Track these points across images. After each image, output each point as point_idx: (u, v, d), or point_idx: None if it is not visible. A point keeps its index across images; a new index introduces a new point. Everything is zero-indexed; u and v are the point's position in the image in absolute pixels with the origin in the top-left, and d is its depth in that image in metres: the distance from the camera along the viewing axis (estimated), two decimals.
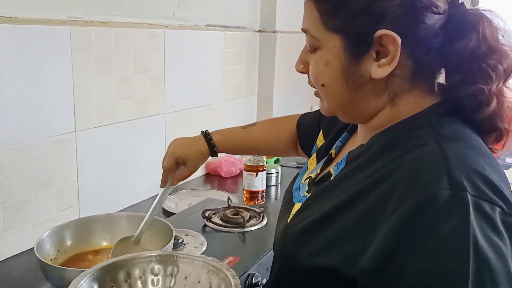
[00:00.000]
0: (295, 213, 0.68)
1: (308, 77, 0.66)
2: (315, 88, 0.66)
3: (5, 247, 1.14)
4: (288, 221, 0.68)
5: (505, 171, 0.58)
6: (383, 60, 0.59)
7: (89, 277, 0.59)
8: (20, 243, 1.17)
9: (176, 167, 1.00)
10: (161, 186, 1.00)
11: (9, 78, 1.09)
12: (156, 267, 0.64)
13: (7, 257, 1.15)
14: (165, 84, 1.58)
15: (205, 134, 1.01)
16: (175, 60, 1.60)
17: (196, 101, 1.76)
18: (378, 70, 0.59)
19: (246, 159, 1.59)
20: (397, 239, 0.51)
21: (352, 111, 0.65)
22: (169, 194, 1.01)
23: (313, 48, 0.64)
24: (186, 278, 0.64)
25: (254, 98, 2.14)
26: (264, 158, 1.62)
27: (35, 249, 0.85)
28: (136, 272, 0.63)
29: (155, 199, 1.54)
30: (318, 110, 0.93)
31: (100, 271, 0.61)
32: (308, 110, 2.64)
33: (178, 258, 0.64)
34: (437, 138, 0.56)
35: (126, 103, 1.44)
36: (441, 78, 0.64)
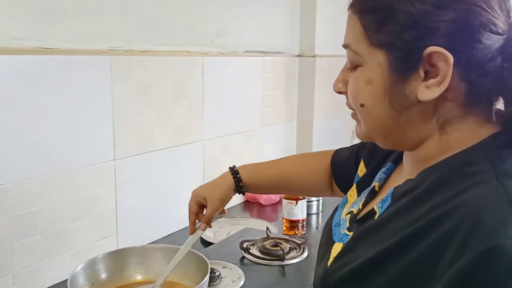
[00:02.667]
0: (336, 255, 0.62)
1: (347, 98, 0.61)
2: (353, 110, 0.61)
3: (43, 277, 1.14)
4: (329, 264, 0.62)
5: None
6: (432, 81, 0.52)
7: None
8: (58, 273, 1.16)
9: (201, 210, 0.96)
10: (190, 233, 0.96)
11: (51, 108, 1.11)
12: None
13: (46, 287, 1.14)
14: (203, 111, 1.57)
15: (231, 168, 0.97)
16: (214, 86, 1.59)
17: (235, 127, 1.73)
18: (426, 91, 0.53)
19: None
20: None
21: (394, 136, 0.59)
22: (197, 241, 0.96)
23: (354, 65, 0.58)
24: None
25: (293, 123, 2.10)
26: None
27: (68, 283, 0.83)
28: None
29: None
30: (354, 144, 0.87)
31: None
32: (350, 136, 2.57)
33: None
34: (498, 176, 0.49)
35: (164, 130, 1.43)
36: (500, 105, 0.57)
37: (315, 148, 2.11)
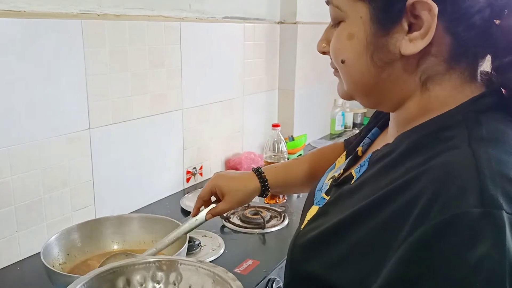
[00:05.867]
0: (310, 219, 0.61)
1: (331, 58, 0.58)
2: (336, 68, 0.58)
3: (19, 249, 1.12)
4: (302, 227, 0.61)
5: None
6: (415, 33, 0.50)
7: (84, 285, 0.54)
8: (34, 244, 1.14)
9: (211, 199, 0.87)
10: (192, 215, 0.86)
11: (19, 75, 1.06)
12: (159, 274, 0.58)
13: (21, 259, 1.12)
14: (182, 79, 1.53)
15: (256, 170, 0.88)
16: (192, 53, 1.55)
17: (215, 96, 1.70)
18: (410, 45, 0.50)
19: (267, 156, 1.53)
20: (412, 269, 0.43)
21: (375, 95, 0.56)
22: (196, 227, 0.86)
23: (336, 21, 0.56)
24: (190, 287, 0.58)
25: (275, 92, 2.07)
26: (286, 154, 1.56)
27: (41, 254, 0.81)
28: (136, 279, 0.58)
29: (174, 197, 1.53)
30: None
31: (96, 279, 0.56)
32: (331, 104, 2.55)
33: (181, 265, 0.58)
34: (471, 141, 0.47)
35: (141, 99, 1.39)
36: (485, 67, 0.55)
37: (297, 118, 2.10)
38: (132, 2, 1.33)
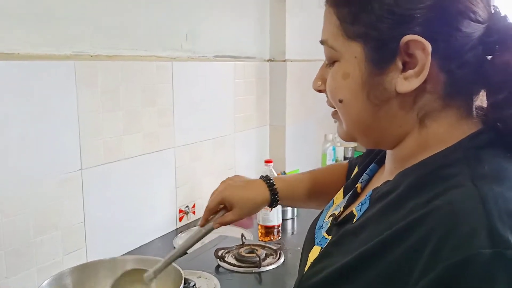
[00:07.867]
0: (313, 261, 0.59)
1: (327, 96, 0.59)
2: (333, 107, 0.59)
3: None
4: (305, 270, 0.60)
5: None
6: (410, 72, 0.50)
7: None
8: None
9: (219, 209, 0.84)
10: (200, 225, 0.83)
11: (12, 115, 1.05)
12: None
13: None
14: (174, 117, 1.53)
15: (266, 179, 0.85)
16: (184, 92, 1.56)
17: (207, 133, 1.70)
18: (405, 83, 0.51)
19: None
20: None
21: (374, 133, 0.57)
22: (204, 237, 0.83)
23: (331, 60, 0.56)
24: None
25: (266, 129, 2.08)
26: None
27: None
28: None
29: (167, 237, 1.50)
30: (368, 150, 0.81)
31: None
32: (322, 139, 2.57)
33: None
34: (474, 178, 0.46)
35: (134, 138, 1.39)
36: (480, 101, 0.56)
37: (288, 153, 2.10)
38: (124, 43, 1.34)
